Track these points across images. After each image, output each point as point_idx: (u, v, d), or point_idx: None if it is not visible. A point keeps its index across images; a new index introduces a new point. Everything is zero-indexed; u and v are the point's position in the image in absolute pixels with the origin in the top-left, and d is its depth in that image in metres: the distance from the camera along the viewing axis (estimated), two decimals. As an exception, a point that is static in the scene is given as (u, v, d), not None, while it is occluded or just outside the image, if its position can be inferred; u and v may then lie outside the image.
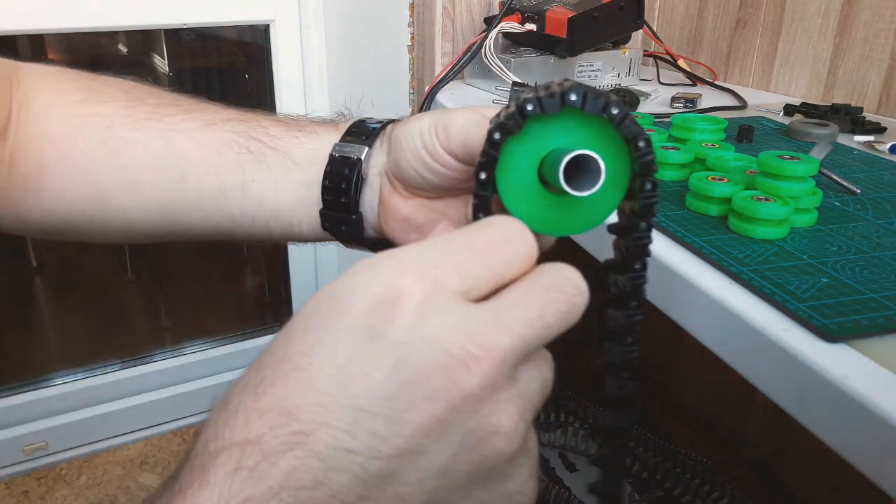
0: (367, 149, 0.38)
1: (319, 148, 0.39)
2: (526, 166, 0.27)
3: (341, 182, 0.38)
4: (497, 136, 0.25)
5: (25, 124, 0.39)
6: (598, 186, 0.25)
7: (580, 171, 0.25)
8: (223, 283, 1.52)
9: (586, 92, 0.25)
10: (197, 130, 0.40)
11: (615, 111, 0.25)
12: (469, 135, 0.32)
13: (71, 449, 1.21)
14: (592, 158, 0.25)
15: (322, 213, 0.39)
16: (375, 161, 0.38)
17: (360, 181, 0.38)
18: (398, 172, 0.36)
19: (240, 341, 1.37)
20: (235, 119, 0.41)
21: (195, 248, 1.43)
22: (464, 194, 0.36)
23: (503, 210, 0.27)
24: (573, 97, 0.25)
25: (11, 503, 1.12)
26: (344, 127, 0.40)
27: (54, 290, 1.35)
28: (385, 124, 0.39)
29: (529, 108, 0.25)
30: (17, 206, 0.40)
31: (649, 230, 0.27)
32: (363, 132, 0.39)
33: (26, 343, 1.30)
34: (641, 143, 0.25)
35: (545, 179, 0.27)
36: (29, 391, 1.20)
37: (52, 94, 0.40)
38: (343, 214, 0.39)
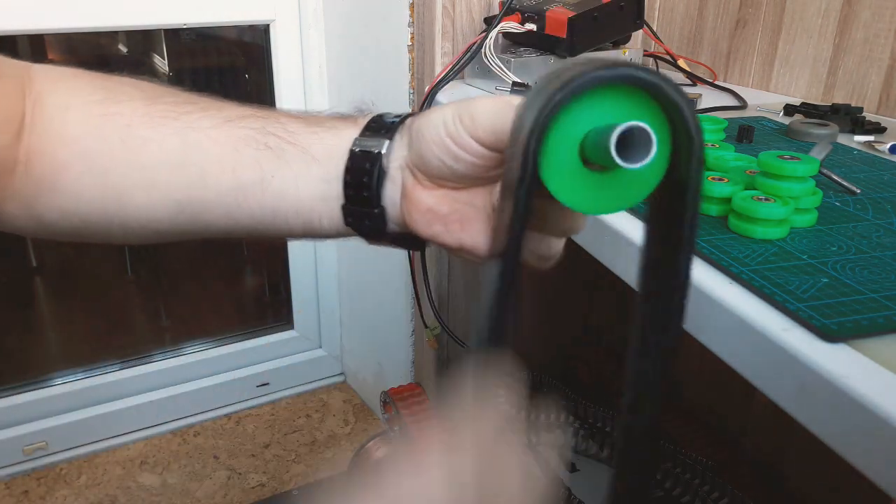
0: (387, 142, 0.38)
1: (339, 143, 0.39)
2: (568, 150, 0.26)
3: (363, 176, 0.38)
4: (533, 144, 0.25)
5: (41, 125, 0.39)
6: (651, 155, 0.25)
7: (624, 147, 0.25)
8: (223, 282, 1.52)
9: (621, 66, 0.25)
10: (214, 128, 0.40)
11: (650, 78, 0.25)
12: (498, 121, 0.32)
13: (71, 449, 1.21)
14: (640, 130, 0.24)
15: (344, 209, 0.39)
16: (396, 154, 0.38)
17: (382, 175, 0.38)
18: (421, 164, 0.36)
19: (240, 341, 1.37)
20: (252, 115, 0.41)
21: (195, 247, 1.43)
22: (489, 183, 0.36)
23: (544, 200, 0.27)
24: (604, 73, 0.25)
25: (11, 503, 1.12)
26: (363, 122, 0.40)
27: (54, 290, 1.35)
28: (404, 118, 0.39)
29: (559, 97, 0.25)
30: (35, 208, 0.40)
31: (700, 189, 0.27)
32: (382, 126, 0.39)
33: (26, 343, 1.30)
34: (683, 104, 0.25)
35: (588, 159, 0.27)
36: (29, 391, 1.20)
37: (69, 94, 0.40)
38: (365, 209, 0.38)
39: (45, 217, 0.41)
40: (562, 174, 0.27)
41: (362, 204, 0.38)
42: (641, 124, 0.24)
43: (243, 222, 0.40)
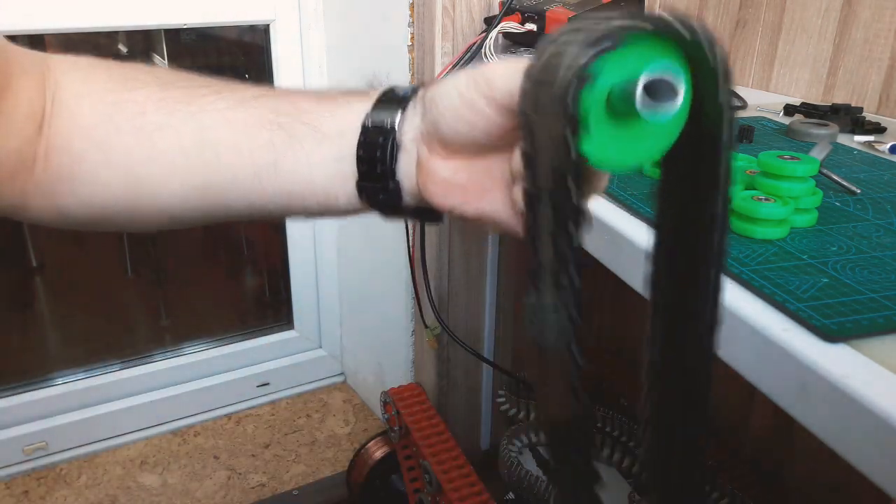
0: (399, 114, 0.37)
1: (350, 118, 0.38)
2: (595, 107, 0.26)
3: (376, 151, 0.37)
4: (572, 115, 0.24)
5: (59, 116, 0.39)
6: (678, 102, 0.24)
7: (647, 97, 0.24)
8: (223, 283, 1.52)
9: (643, 16, 0.24)
10: (228, 110, 0.39)
11: (676, 24, 0.24)
12: (515, 83, 0.30)
13: (71, 449, 1.21)
14: (663, 78, 0.24)
15: (359, 185, 0.38)
16: (409, 126, 0.37)
17: (396, 149, 0.37)
18: (436, 133, 0.35)
19: (240, 341, 1.37)
20: (265, 95, 0.40)
21: (195, 247, 1.43)
22: (504, 150, 0.35)
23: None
24: (627, 23, 0.24)
25: (11, 503, 1.12)
26: (375, 95, 0.39)
27: (54, 290, 1.35)
28: (416, 89, 0.38)
29: (593, 52, 0.24)
30: (55, 200, 0.40)
31: (731, 143, 0.26)
32: (394, 99, 0.38)
33: (26, 343, 1.30)
34: (708, 46, 0.24)
35: (613, 113, 0.26)
36: (29, 391, 1.20)
37: (84, 83, 0.40)
38: (380, 184, 0.38)
39: (66, 208, 0.40)
40: (590, 133, 0.25)
41: (376, 179, 0.38)
42: (666, 72, 0.24)
43: (260, 204, 0.40)
